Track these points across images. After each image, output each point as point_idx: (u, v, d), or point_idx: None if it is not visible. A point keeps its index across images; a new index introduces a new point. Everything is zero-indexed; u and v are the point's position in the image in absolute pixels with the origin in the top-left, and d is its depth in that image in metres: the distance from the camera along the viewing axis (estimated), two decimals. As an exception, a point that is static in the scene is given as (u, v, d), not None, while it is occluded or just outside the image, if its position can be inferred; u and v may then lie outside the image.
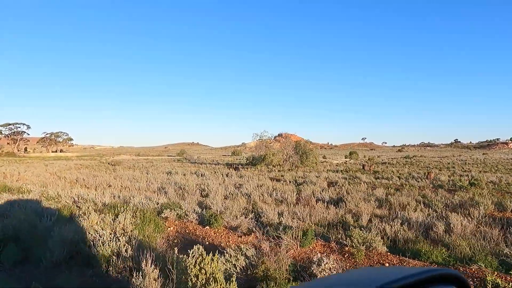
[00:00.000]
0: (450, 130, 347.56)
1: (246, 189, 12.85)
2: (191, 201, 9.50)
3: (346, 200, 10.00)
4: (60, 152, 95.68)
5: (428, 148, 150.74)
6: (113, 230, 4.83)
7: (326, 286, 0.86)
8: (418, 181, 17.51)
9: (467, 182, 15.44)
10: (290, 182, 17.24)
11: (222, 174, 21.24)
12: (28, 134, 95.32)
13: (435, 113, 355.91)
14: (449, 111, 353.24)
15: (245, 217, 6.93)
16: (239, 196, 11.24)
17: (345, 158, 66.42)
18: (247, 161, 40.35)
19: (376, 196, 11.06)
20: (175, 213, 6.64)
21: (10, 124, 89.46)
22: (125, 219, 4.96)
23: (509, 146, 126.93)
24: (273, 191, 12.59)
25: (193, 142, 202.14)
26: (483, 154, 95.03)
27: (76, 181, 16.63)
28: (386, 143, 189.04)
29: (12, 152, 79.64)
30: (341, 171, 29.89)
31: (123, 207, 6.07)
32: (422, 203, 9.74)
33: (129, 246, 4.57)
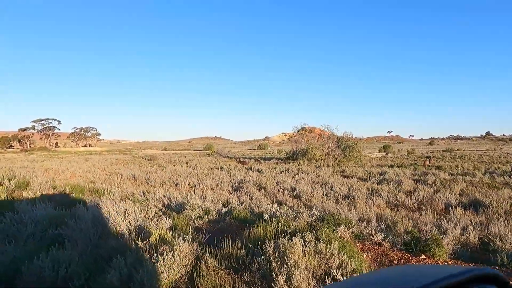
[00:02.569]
0: (480, 122, 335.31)
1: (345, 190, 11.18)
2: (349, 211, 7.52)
3: (490, 205, 8.13)
4: (89, 146, 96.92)
5: (459, 141, 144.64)
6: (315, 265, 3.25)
7: (358, 285, 0.84)
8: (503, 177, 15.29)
9: None
10: (366, 179, 15.42)
11: (280, 171, 19.60)
12: (59, 130, 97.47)
13: (464, 105, 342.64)
14: (478, 103, 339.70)
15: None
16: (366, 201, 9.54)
17: (379, 152, 63.70)
18: (287, 156, 38.62)
19: None
20: (349, 230, 4.98)
21: (42, 120, 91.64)
22: (331, 247, 3.35)
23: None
24: (374, 192, 10.88)
25: (215, 136, 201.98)
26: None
27: (134, 178, 15.39)
28: (413, 136, 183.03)
29: (45, 146, 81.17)
30: (392, 166, 27.85)
31: (290, 222, 4.55)
32: None
33: None
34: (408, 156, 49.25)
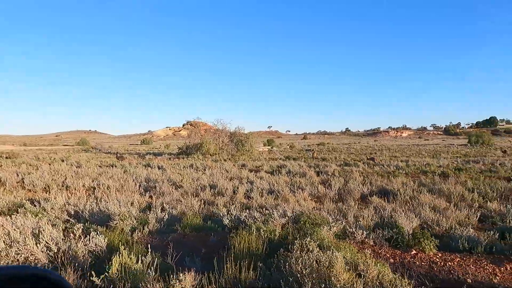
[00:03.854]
0: (341, 120, 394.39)
1: (263, 184, 10.97)
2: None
3: (398, 192, 9.17)
4: None
5: (326, 135, 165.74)
6: None
7: None
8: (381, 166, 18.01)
9: (453, 168, 16.60)
10: (272, 173, 15.81)
11: (184, 166, 18.41)
12: None
13: (330, 104, 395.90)
14: (340, 104, 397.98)
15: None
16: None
17: (264, 146, 67.48)
18: (180, 150, 37.00)
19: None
20: (331, 230, 4.49)
21: None
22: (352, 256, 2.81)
23: (389, 134, 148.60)
24: (291, 185, 11.05)
25: (90, 130, 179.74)
26: (375, 141, 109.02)
27: (1, 181, 11.98)
28: (289, 131, 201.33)
29: None
30: (287, 158, 29.74)
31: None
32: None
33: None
34: (291, 149, 53.64)
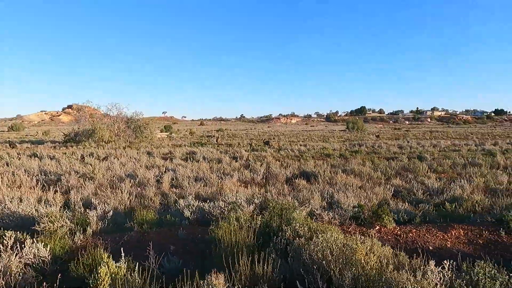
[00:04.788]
0: (236, 106, 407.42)
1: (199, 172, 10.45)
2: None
3: (319, 174, 9.92)
4: None
5: (223, 122, 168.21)
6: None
7: None
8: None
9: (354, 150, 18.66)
10: (186, 159, 15.29)
11: (82, 156, 16.18)
12: None
13: (225, 91, 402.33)
14: (233, 93, 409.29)
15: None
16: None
17: (161, 132, 64.87)
18: (67, 138, 32.38)
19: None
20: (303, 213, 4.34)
21: None
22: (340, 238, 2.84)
23: (280, 121, 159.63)
24: (215, 171, 10.84)
25: None
26: (268, 127, 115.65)
27: None
28: (185, 117, 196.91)
29: None
30: (188, 145, 29.07)
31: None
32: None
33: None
34: (191, 136, 52.57)
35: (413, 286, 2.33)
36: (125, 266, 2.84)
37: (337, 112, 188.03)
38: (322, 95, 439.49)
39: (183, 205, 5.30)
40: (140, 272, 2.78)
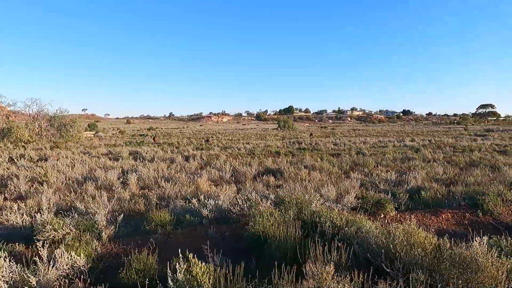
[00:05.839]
0: (164, 105, 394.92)
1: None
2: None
3: (284, 171, 10.37)
4: None
5: (151, 120, 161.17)
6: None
7: None
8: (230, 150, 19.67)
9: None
10: (135, 159, 14.56)
11: (15, 157, 14.24)
12: None
13: (153, 89, 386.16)
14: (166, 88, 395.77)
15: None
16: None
17: (85, 131, 59.99)
18: (-25, 138, 27.93)
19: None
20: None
21: None
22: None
23: (212, 119, 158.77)
24: (178, 171, 10.56)
25: None
26: (200, 125, 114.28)
27: None
28: (109, 114, 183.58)
29: None
30: (124, 145, 27.44)
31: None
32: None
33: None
34: (122, 135, 49.38)
35: (481, 258, 2.83)
36: (212, 266, 2.79)
37: (266, 111, 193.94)
38: (252, 95, 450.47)
39: (196, 205, 5.21)
40: (213, 270, 2.77)
